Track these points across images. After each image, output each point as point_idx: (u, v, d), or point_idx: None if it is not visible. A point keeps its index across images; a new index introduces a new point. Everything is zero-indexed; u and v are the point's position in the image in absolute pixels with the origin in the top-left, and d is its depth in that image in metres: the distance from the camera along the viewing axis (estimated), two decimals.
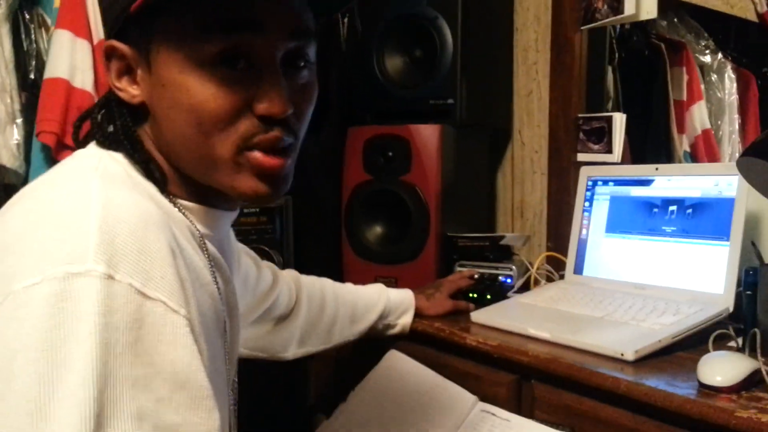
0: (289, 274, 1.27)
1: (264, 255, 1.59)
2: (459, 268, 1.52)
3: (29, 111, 1.48)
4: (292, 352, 1.24)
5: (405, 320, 1.35)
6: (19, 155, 1.47)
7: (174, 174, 0.74)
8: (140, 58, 0.71)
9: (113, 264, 0.58)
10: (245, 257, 1.14)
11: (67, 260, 0.57)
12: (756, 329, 1.04)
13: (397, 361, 1.31)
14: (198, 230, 0.74)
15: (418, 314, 1.37)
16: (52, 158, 1.45)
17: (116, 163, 0.71)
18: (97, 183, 0.65)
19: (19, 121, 1.47)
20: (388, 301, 1.34)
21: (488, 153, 1.79)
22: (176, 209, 0.73)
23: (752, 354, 1.02)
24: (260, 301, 1.16)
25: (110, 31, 0.72)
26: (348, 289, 1.33)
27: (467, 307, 1.40)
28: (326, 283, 1.31)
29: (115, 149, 0.73)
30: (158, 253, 0.61)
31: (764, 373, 0.94)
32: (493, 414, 1.16)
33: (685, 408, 0.92)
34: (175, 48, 0.68)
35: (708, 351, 1.05)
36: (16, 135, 1.46)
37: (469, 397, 1.20)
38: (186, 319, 0.61)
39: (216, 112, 0.68)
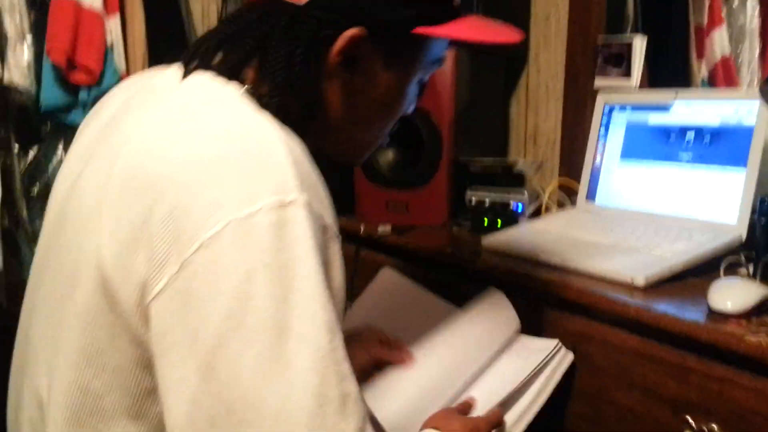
0: None
1: None
2: (470, 194, 1.52)
3: (38, 29, 1.46)
4: None
5: None
6: (30, 75, 1.46)
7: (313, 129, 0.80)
8: (381, 57, 0.79)
9: (308, 192, 0.64)
10: None
11: (277, 190, 0.62)
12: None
13: (389, 278, 1.30)
14: None
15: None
16: (62, 78, 1.44)
17: (245, 99, 0.73)
18: (267, 119, 0.69)
19: (29, 39, 1.45)
20: None
21: (503, 78, 1.76)
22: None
23: (763, 281, 1.02)
24: None
25: (365, 24, 0.76)
26: None
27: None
28: None
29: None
30: (321, 182, 0.69)
31: None
32: None
33: (694, 332, 0.93)
34: (416, 66, 0.83)
35: (719, 278, 1.04)
36: (26, 54, 1.44)
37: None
38: (340, 244, 0.69)
39: (403, 110, 0.87)
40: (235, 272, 0.60)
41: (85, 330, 0.67)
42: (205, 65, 0.76)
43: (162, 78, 0.79)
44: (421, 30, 0.78)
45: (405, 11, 0.77)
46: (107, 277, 0.65)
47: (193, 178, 0.63)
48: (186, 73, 0.76)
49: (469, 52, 0.86)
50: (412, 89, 0.85)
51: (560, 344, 1.07)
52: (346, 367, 0.63)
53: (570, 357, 1.08)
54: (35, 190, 1.69)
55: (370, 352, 1.09)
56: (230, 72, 0.75)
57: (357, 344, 1.08)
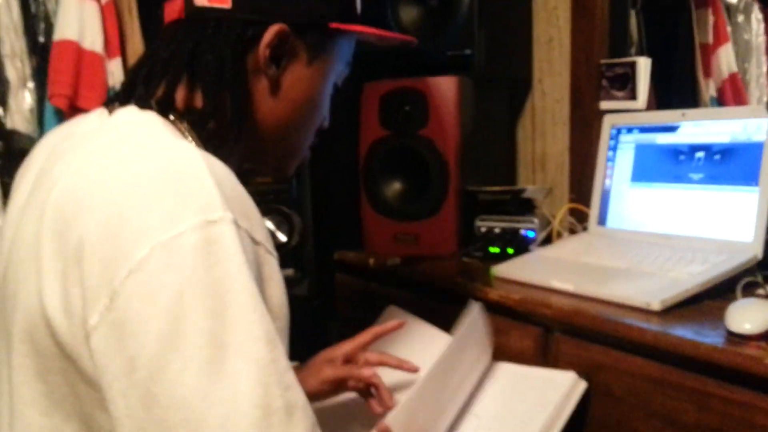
0: None
1: (282, 215, 1.58)
2: (479, 223, 1.50)
3: (40, 75, 1.47)
4: None
5: None
6: (33, 119, 1.47)
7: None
8: (303, 53, 0.83)
9: (233, 210, 0.65)
10: None
11: (201, 210, 0.63)
12: None
13: (395, 316, 1.26)
14: None
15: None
16: (64, 122, 1.44)
17: (167, 126, 0.76)
18: (184, 142, 0.72)
19: (31, 85, 1.46)
20: None
21: (508, 104, 1.75)
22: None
23: None
24: None
25: (287, 20, 0.80)
26: None
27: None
28: None
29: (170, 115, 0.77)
30: (250, 200, 0.70)
31: None
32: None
33: (713, 356, 0.90)
34: (332, 66, 0.87)
35: (736, 299, 1.02)
36: (28, 99, 1.45)
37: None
38: (277, 261, 0.70)
39: (322, 116, 0.91)
40: (164, 295, 0.60)
41: (44, 378, 0.67)
42: (128, 99, 0.78)
43: (86, 121, 0.81)
44: (337, 25, 0.84)
45: (320, 7, 0.83)
46: (53, 323, 0.65)
47: (116, 210, 0.63)
48: (110, 111, 0.78)
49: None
50: (328, 91, 0.89)
51: (576, 376, 1.05)
52: (290, 377, 0.63)
53: (583, 385, 1.05)
54: None
55: (329, 372, 1.07)
56: (157, 99, 0.77)
57: (308, 369, 1.08)
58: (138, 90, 0.78)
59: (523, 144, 1.80)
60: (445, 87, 1.52)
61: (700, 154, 1.27)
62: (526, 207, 1.53)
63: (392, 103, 1.57)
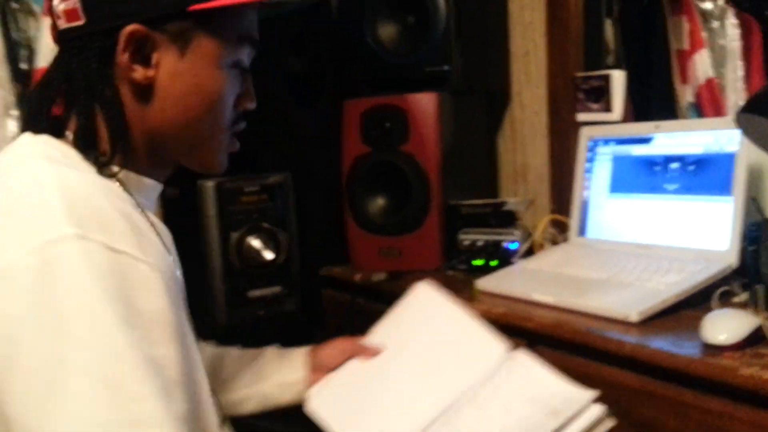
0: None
1: (268, 233, 1.59)
2: (462, 236, 1.52)
3: (24, 103, 1.48)
4: None
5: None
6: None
7: (140, 154, 0.83)
8: (172, 46, 0.80)
9: (81, 225, 0.65)
10: None
11: (41, 231, 0.64)
12: (759, 285, 1.04)
13: (426, 296, 1.20)
14: (135, 199, 0.81)
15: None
16: None
17: (52, 147, 0.77)
18: (44, 163, 0.72)
19: (15, 113, 1.47)
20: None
21: (487, 117, 1.77)
22: (114, 181, 0.80)
23: (756, 310, 1.02)
24: None
25: (141, 18, 0.78)
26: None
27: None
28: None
29: (52, 133, 0.79)
30: (114, 213, 0.70)
31: (766, 329, 0.94)
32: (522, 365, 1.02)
33: (689, 367, 0.93)
34: (215, 47, 0.82)
35: (711, 310, 1.04)
36: (11, 127, 1.46)
37: (497, 349, 1.04)
38: (154, 267, 0.70)
39: (228, 102, 0.85)
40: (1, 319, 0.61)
41: None
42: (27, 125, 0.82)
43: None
44: (195, 6, 0.79)
45: None
46: None
47: None
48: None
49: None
50: (226, 73, 0.83)
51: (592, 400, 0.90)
52: (139, 390, 0.63)
53: (597, 411, 0.89)
54: None
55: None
56: (51, 124, 0.80)
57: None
58: (33, 116, 0.82)
59: (504, 156, 1.82)
60: (425, 103, 1.54)
61: (675, 165, 1.30)
62: (507, 219, 1.55)
63: (373, 120, 1.59)
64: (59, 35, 0.81)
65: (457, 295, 1.31)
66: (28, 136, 0.80)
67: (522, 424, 0.90)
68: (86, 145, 0.78)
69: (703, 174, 1.26)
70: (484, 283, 1.33)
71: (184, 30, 0.80)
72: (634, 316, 1.06)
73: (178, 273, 0.87)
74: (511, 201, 1.56)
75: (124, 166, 0.81)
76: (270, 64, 1.38)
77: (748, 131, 1.03)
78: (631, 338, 1.01)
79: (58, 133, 0.79)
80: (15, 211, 0.67)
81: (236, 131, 0.89)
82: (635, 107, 1.62)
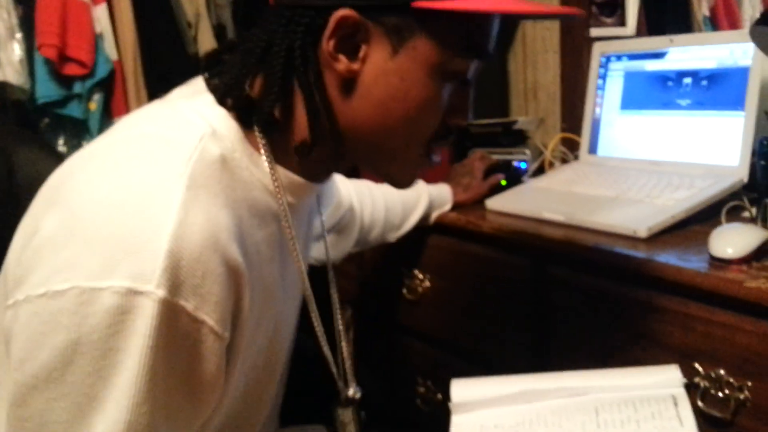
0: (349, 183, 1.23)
1: None
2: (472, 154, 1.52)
3: (27, 25, 1.47)
4: (339, 258, 1.24)
5: (437, 214, 1.35)
6: (23, 71, 1.47)
7: (319, 150, 0.75)
8: (384, 41, 0.71)
9: (174, 289, 0.61)
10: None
11: (133, 277, 0.60)
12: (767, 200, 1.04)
13: None
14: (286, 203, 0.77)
15: (459, 206, 1.37)
16: (55, 71, 1.45)
17: (218, 141, 0.71)
18: (180, 191, 0.64)
19: (19, 36, 1.46)
20: (429, 203, 1.32)
21: (499, 34, 1.74)
22: (273, 184, 0.75)
23: (765, 224, 1.02)
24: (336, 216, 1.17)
25: (359, 3, 0.70)
26: (392, 195, 1.28)
27: (499, 179, 1.41)
28: (374, 190, 1.26)
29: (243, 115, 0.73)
30: (219, 277, 0.64)
31: None
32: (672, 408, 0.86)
33: (695, 281, 0.94)
34: (433, 52, 0.72)
35: (720, 224, 1.05)
36: (17, 50, 1.45)
37: (674, 373, 0.90)
38: (223, 340, 0.66)
39: (433, 119, 0.76)
40: (65, 334, 0.60)
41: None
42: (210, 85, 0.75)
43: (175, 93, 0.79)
44: (420, 3, 0.69)
45: None
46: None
47: (68, 230, 0.63)
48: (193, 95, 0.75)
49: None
50: (439, 83, 0.74)
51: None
52: None
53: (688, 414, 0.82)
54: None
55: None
56: (227, 93, 0.73)
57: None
58: (216, 80, 0.75)
59: (514, 74, 1.80)
60: None
61: (688, 80, 1.28)
62: (518, 138, 1.54)
63: None
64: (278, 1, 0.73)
65: (468, 214, 1.33)
66: (207, 105, 0.73)
67: None
68: (272, 131, 0.73)
69: (716, 89, 1.24)
70: (495, 203, 1.33)
71: (403, 26, 0.70)
72: (643, 232, 1.07)
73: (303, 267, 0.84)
74: (522, 120, 1.55)
75: (298, 167, 0.76)
76: None
77: (763, 45, 1.01)
78: (639, 253, 1.02)
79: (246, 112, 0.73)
80: (120, 229, 0.62)
81: (441, 147, 0.81)
82: (649, 22, 1.59)
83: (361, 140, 0.76)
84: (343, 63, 0.71)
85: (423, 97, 0.73)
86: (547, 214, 1.22)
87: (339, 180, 1.18)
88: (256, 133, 0.74)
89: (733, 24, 1.76)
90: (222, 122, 0.72)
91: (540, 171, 1.50)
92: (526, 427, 0.87)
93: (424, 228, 1.37)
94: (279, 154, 0.75)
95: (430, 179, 1.40)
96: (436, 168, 1.51)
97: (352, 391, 0.93)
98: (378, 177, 0.83)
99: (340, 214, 1.17)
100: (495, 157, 1.49)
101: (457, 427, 0.90)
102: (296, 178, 0.77)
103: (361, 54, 0.71)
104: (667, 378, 0.88)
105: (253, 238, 0.73)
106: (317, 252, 1.10)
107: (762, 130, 1.16)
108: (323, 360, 0.88)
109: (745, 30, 1.06)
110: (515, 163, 1.48)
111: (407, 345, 1.47)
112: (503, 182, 1.46)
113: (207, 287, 0.63)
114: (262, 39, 0.73)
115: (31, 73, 1.48)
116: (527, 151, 1.48)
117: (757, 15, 1.90)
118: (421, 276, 1.41)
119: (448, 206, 1.36)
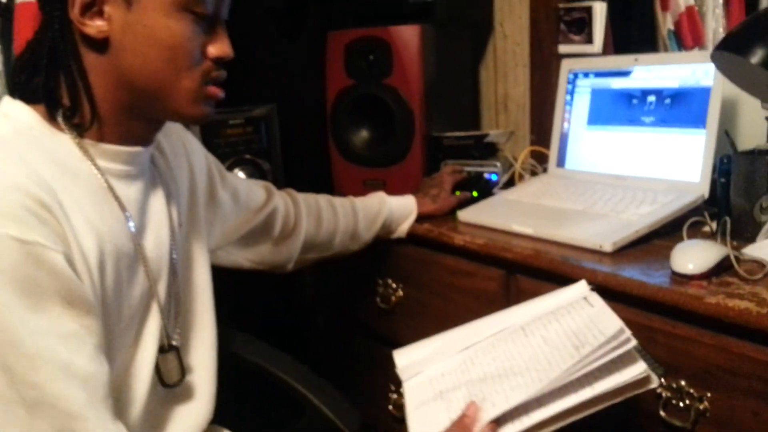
0: (286, 193, 1.29)
1: (252, 164, 1.62)
2: (444, 166, 1.55)
3: (6, 36, 1.47)
4: (291, 266, 1.30)
5: (403, 227, 1.40)
6: (1, 81, 1.47)
7: (110, 113, 0.84)
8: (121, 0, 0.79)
9: None
10: (234, 176, 1.20)
11: None
12: (727, 217, 1.09)
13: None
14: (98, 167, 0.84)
15: (426, 217, 1.40)
16: None
17: (10, 121, 0.81)
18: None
19: None
20: (390, 213, 1.37)
21: (470, 48, 1.78)
22: (85, 157, 0.83)
23: (724, 240, 1.07)
24: (252, 215, 1.20)
25: None
26: (348, 204, 1.35)
27: (467, 197, 1.47)
28: (322, 200, 1.33)
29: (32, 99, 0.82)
30: (24, 199, 0.72)
31: (733, 258, 0.99)
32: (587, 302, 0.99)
33: (658, 296, 0.98)
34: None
35: (682, 240, 1.09)
36: None
37: (580, 287, 1.02)
38: (62, 254, 0.73)
39: (190, 51, 0.83)
40: None
41: None
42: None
43: None
44: None
45: None
46: None
47: None
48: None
49: None
50: (180, 21, 0.81)
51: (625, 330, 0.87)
52: (35, 378, 0.70)
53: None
54: None
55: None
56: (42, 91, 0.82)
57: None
58: (15, 83, 0.84)
59: (486, 86, 1.84)
60: (409, 36, 1.55)
61: (652, 98, 1.33)
62: (489, 151, 1.58)
63: (357, 53, 1.60)
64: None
65: (440, 225, 1.36)
66: (9, 105, 0.82)
67: (550, 356, 0.90)
68: (53, 107, 0.81)
69: (679, 107, 1.29)
70: (466, 215, 1.37)
71: None
72: (608, 246, 1.11)
73: (150, 238, 0.91)
74: (493, 133, 1.59)
75: (97, 136, 0.84)
76: None
77: (724, 68, 1.06)
78: (604, 267, 1.06)
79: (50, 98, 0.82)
80: None
81: (213, 79, 0.87)
82: (615, 38, 1.64)
83: (137, 90, 0.83)
84: (92, 26, 0.79)
85: (169, 37, 0.81)
86: (517, 227, 1.26)
87: (252, 185, 1.24)
88: (59, 119, 0.82)
89: (697, 38, 1.82)
90: (19, 111, 0.81)
91: (510, 183, 1.54)
92: (468, 364, 0.99)
93: (398, 239, 1.40)
94: (89, 132, 0.83)
95: (402, 190, 1.44)
96: (408, 179, 1.56)
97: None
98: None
99: (259, 219, 1.21)
100: (467, 169, 1.52)
101: (410, 391, 1.01)
102: (107, 146, 0.85)
103: (106, 15, 0.79)
104: (577, 289, 1.01)
105: (69, 192, 0.79)
106: (255, 254, 1.23)
107: (722, 148, 1.21)
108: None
109: (707, 52, 1.11)
110: (486, 176, 1.52)
111: (380, 352, 1.50)
112: (475, 193, 1.49)
113: (16, 211, 0.71)
114: (35, 39, 0.83)
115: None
116: (498, 164, 1.52)
117: (721, 29, 1.96)
118: (394, 285, 1.44)
119: (413, 217, 1.40)
